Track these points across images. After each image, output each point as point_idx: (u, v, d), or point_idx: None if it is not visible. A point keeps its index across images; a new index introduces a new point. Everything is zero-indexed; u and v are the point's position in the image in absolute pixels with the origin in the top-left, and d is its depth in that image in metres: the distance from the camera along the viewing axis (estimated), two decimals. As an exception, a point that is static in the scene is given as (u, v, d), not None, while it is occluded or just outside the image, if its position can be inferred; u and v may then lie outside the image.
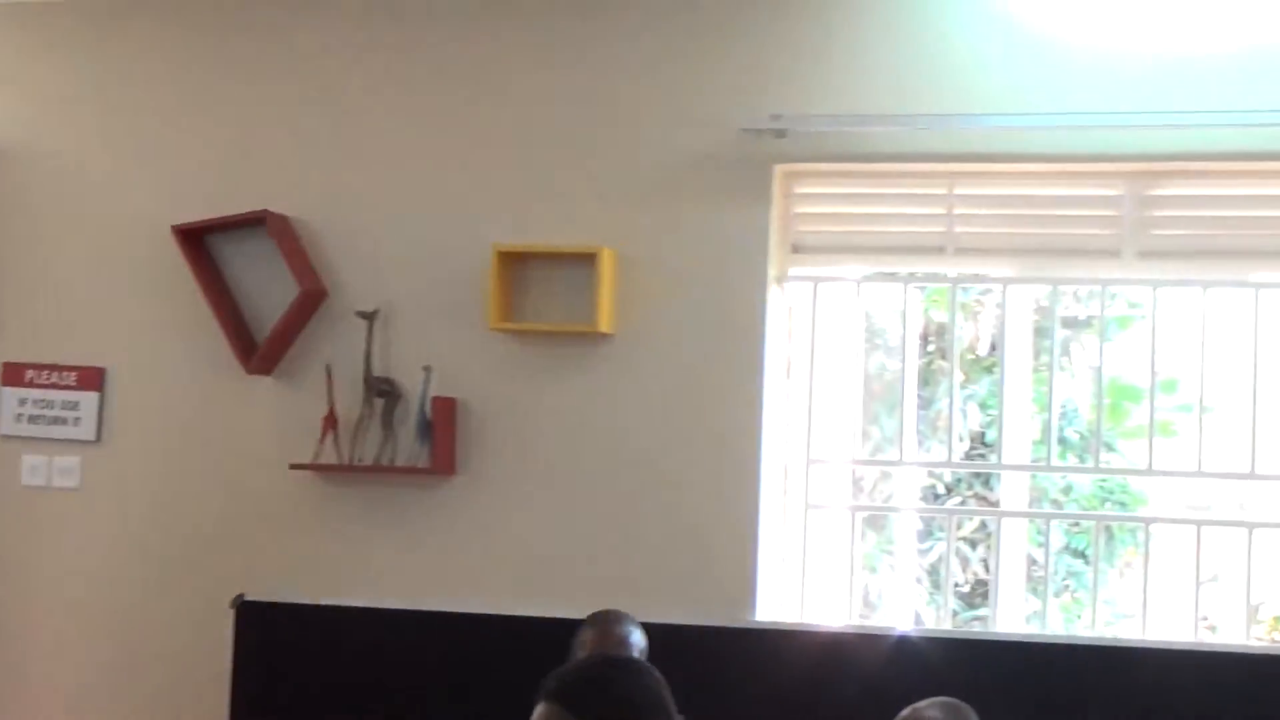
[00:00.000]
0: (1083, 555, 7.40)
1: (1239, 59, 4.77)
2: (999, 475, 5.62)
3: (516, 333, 5.18)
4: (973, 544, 7.62)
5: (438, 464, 5.17)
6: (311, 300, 5.32)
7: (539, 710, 2.86)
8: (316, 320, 5.36)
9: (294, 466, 5.28)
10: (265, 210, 5.32)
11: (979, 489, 7.96)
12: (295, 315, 5.31)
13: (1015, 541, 5.29)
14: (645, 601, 4.55)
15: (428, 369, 5.21)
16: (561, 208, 5.19)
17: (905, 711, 3.50)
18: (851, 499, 5.40)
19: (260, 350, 5.33)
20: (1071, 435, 7.09)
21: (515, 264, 5.17)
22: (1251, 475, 4.92)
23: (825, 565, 5.23)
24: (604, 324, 5.06)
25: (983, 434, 7.73)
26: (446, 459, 5.18)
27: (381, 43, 5.39)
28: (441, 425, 5.18)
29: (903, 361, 5.29)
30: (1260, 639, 5.33)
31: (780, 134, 4.97)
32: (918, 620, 5.95)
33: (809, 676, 4.74)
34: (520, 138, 5.25)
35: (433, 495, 5.23)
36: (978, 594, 7.61)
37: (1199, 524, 5.08)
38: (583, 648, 4.13)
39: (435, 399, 5.19)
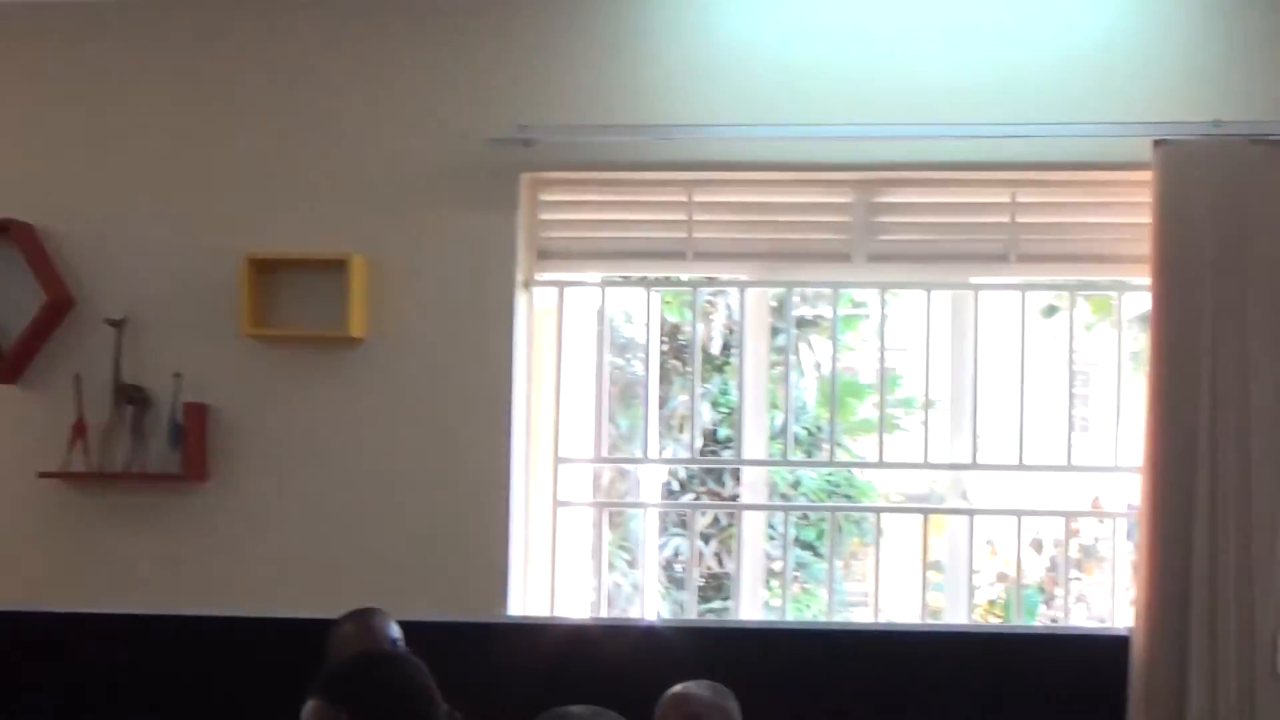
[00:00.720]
0: (810, 547, 7.65)
1: (956, 77, 4.98)
2: (729, 471, 5.79)
3: (268, 338, 5.14)
4: (705, 539, 7.81)
5: (189, 470, 5.10)
6: (58, 308, 5.19)
7: (309, 706, 2.88)
8: (64, 328, 5.23)
9: (42, 475, 5.15)
10: (9, 218, 5.19)
11: (711, 485, 8.16)
12: (41, 323, 5.18)
13: (753, 535, 5.44)
14: (401, 599, 4.54)
15: (178, 375, 5.14)
16: (312, 215, 5.17)
17: (676, 688, 3.61)
18: (592, 496, 5.50)
19: (5, 359, 5.20)
20: (799, 431, 7.30)
21: (266, 270, 5.13)
22: (974, 465, 5.18)
23: (572, 560, 5.32)
24: (355, 329, 5.06)
25: (714, 431, 7.92)
26: (198, 465, 5.12)
27: (128, 47, 5.30)
28: (193, 431, 5.11)
29: (646, 363, 5.41)
30: (979, 620, 5.55)
31: (527, 143, 5.01)
32: (660, 613, 6.09)
33: (562, 667, 4.81)
34: (270, 146, 5.21)
35: (185, 501, 5.16)
36: (711, 587, 7.80)
37: (925, 512, 5.30)
38: (338, 646, 4.13)
39: (186, 405, 5.12)
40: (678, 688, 3.65)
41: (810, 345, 7.80)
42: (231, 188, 5.22)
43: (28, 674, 5.09)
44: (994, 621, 6.73)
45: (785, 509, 5.87)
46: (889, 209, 5.20)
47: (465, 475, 5.08)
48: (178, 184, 5.24)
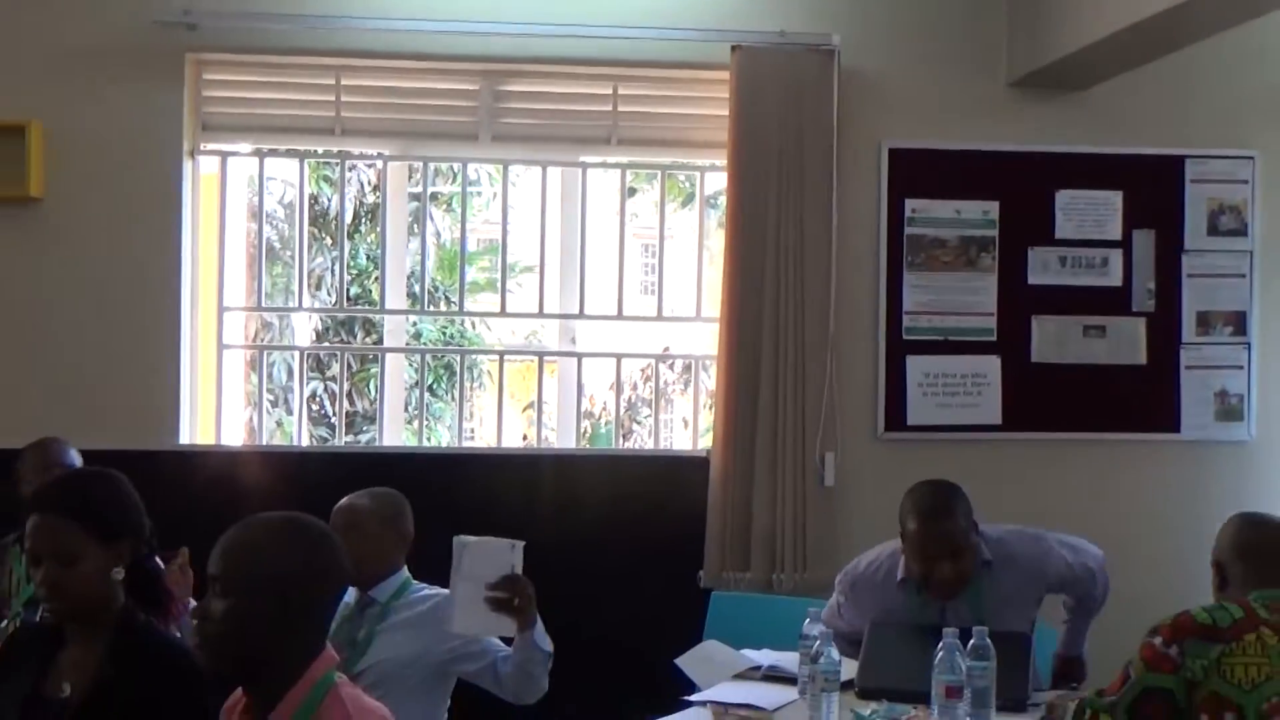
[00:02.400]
0: (430, 388, 7.76)
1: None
2: (359, 324, 5.85)
3: (-54, 198, 4.92)
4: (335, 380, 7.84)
5: None
6: None
7: (34, 521, 2.85)
8: None
9: None
10: None
11: (344, 336, 8.17)
12: None
13: (395, 375, 5.51)
14: (83, 432, 4.44)
15: None
16: (-8, 81, 4.96)
17: (344, 499, 3.69)
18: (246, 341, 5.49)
19: None
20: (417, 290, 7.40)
21: (-54, 134, 4.90)
22: (580, 315, 5.38)
23: (231, 398, 5.33)
24: (34, 189, 4.90)
25: (349, 288, 7.94)
26: None
27: None
28: None
29: (298, 226, 5.42)
30: (586, 447, 5.72)
31: (191, 27, 4.92)
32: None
33: (227, 488, 4.87)
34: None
35: None
36: (345, 423, 7.86)
37: (540, 355, 5.48)
38: (24, 471, 4.09)
39: None
40: (345, 499, 3.72)
41: (431, 218, 7.87)
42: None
43: None
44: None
45: (424, 351, 5.98)
46: (511, 96, 5.29)
47: (140, 321, 5.01)
48: None
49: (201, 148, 5.17)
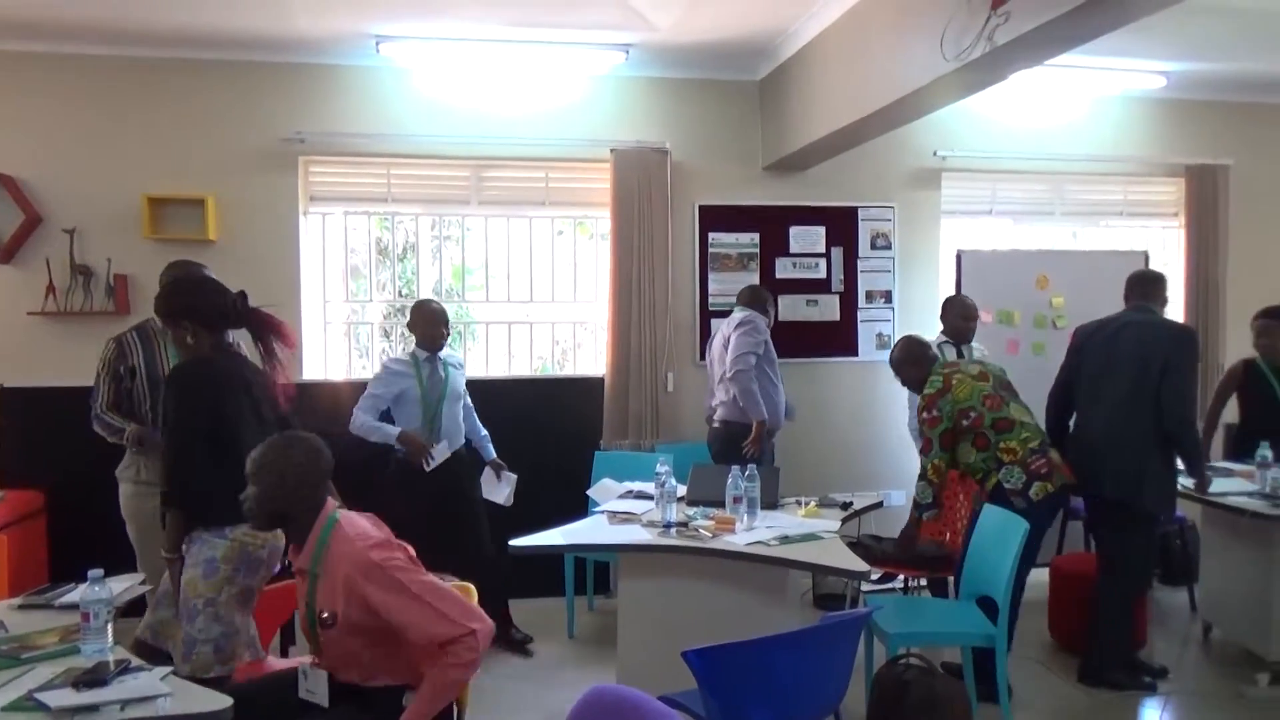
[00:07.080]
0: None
1: (519, 115, 4.97)
2: (407, 307, 5.61)
3: (160, 239, 4.70)
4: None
5: (118, 308, 4.66)
6: (32, 223, 4.60)
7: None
8: (37, 234, 4.63)
9: (30, 313, 4.61)
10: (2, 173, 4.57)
11: (398, 316, 7.89)
12: (23, 231, 4.59)
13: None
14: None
15: (109, 259, 4.66)
16: (184, 173, 4.73)
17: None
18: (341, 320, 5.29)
19: (3, 249, 4.58)
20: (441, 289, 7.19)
21: (158, 203, 4.68)
22: (531, 300, 5.25)
23: (335, 351, 5.15)
24: (211, 235, 4.72)
25: (401, 289, 7.66)
26: (123, 305, 4.68)
27: (81, 81, 4.64)
28: (119, 288, 4.67)
29: (369, 254, 5.24)
30: (536, 374, 5.64)
31: (302, 140, 4.77)
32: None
33: (329, 400, 4.69)
34: (163, 135, 4.72)
35: (115, 325, 4.58)
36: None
37: (509, 324, 5.36)
38: None
39: (115, 275, 4.66)
40: None
41: (444, 248, 7.65)
42: (138, 156, 4.71)
43: (34, 419, 4.58)
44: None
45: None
46: (488, 178, 5.13)
47: (277, 309, 4.66)
48: (105, 154, 4.70)
49: (309, 211, 4.99)
